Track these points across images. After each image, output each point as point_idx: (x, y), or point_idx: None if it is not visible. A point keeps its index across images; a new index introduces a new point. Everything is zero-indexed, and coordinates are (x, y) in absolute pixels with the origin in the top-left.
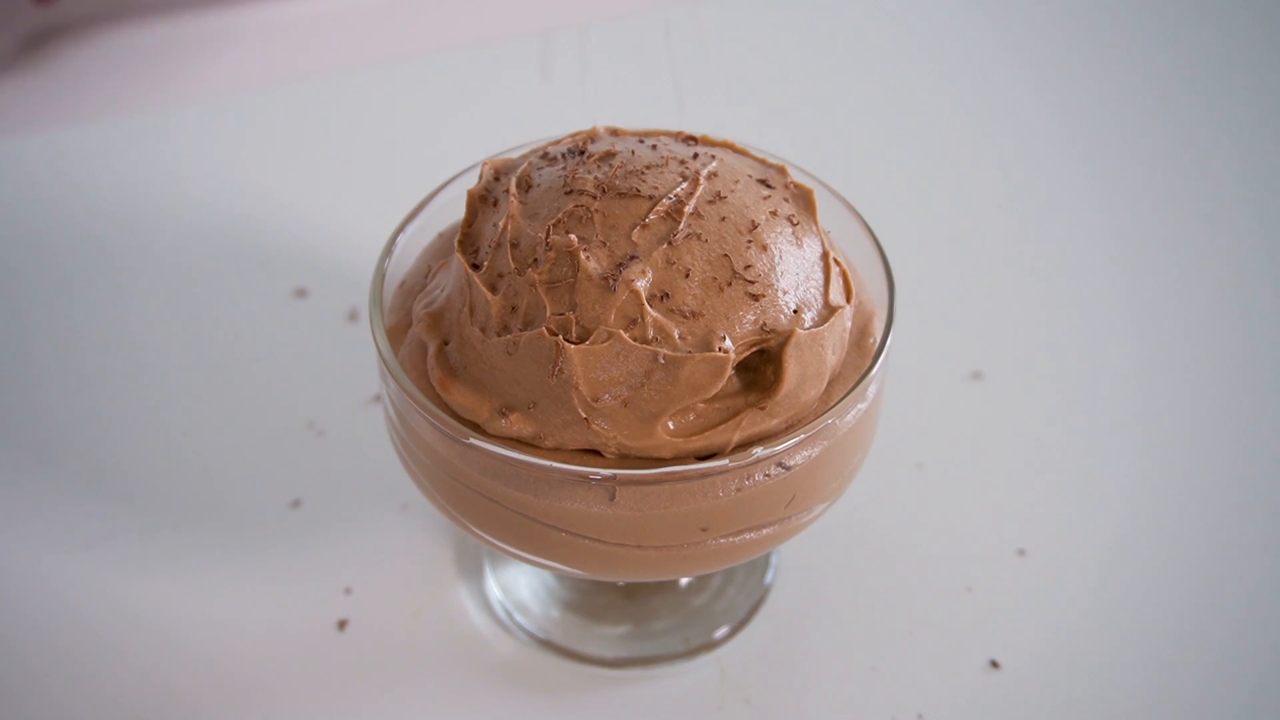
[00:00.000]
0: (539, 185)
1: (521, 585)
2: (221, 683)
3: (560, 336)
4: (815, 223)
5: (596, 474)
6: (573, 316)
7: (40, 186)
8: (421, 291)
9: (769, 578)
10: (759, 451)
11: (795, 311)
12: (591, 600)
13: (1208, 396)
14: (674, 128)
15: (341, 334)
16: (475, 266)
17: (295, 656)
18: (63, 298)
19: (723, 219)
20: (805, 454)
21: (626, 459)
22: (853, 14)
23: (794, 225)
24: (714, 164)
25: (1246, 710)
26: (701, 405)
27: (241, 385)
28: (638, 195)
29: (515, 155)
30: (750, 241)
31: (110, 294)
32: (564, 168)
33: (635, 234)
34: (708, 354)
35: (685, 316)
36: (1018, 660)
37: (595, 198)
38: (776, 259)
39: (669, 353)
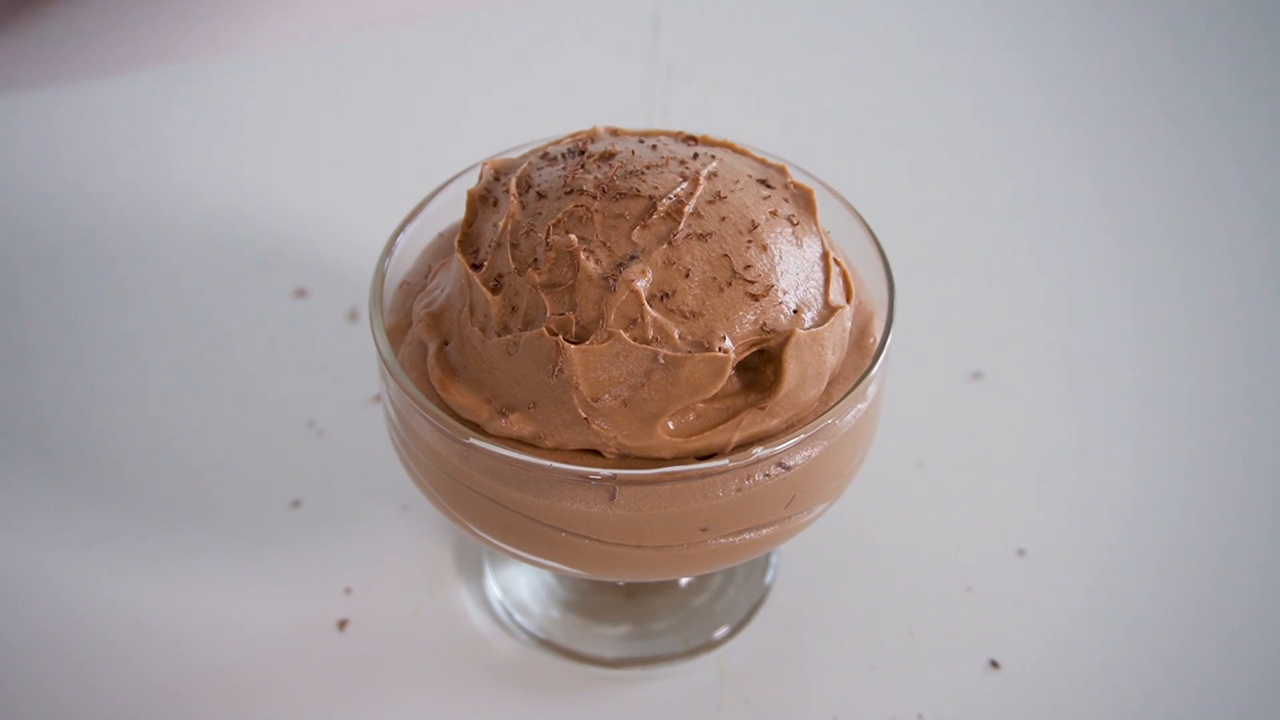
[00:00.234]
0: (539, 185)
1: (521, 585)
2: (221, 683)
3: (560, 336)
4: (815, 223)
5: (596, 474)
6: (573, 316)
7: (40, 190)
8: (421, 291)
9: (769, 578)
10: (759, 451)
11: (795, 311)
12: (591, 600)
13: (1208, 397)
14: (673, 127)
15: (341, 334)
16: (475, 266)
17: (295, 656)
18: (61, 297)
19: (723, 219)
20: (805, 454)
21: (626, 459)
22: (853, 13)
23: (794, 225)
24: (714, 164)
25: (1246, 710)
26: (701, 405)
27: (241, 385)
28: (638, 195)
29: (515, 155)
30: (750, 241)
31: (110, 294)
32: (564, 168)
33: (635, 234)
34: (708, 354)
35: (685, 316)
36: (1018, 660)
37: (595, 198)
38: (776, 259)
39: (669, 353)
